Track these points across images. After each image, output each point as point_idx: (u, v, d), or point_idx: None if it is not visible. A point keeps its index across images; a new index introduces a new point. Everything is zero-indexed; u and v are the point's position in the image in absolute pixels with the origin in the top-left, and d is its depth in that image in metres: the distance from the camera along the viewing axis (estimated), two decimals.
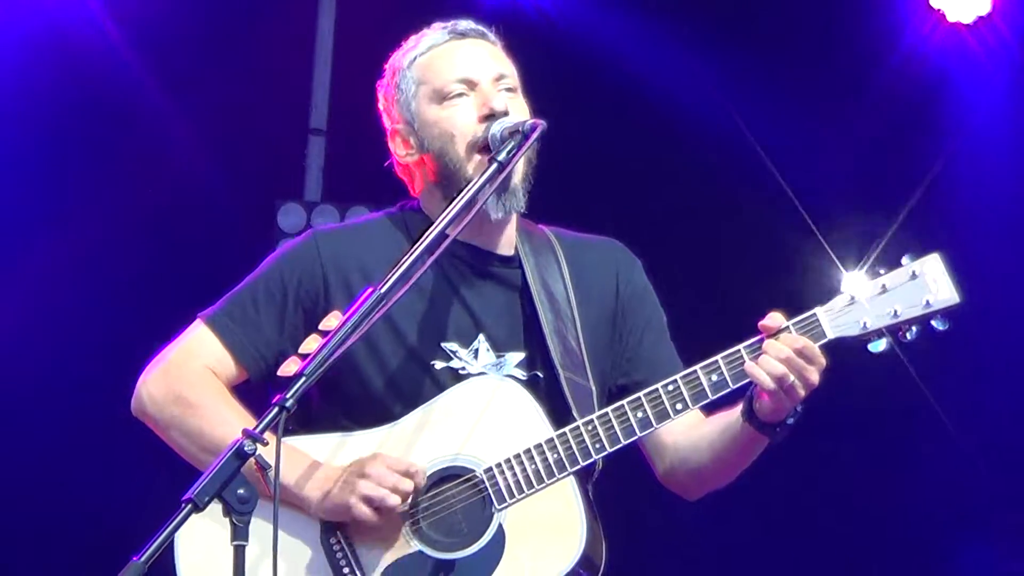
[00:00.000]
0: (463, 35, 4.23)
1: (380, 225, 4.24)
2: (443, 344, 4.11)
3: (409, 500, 3.93)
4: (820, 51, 7.79)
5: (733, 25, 7.87)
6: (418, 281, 4.04)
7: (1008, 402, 7.68)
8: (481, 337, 4.13)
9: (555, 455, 3.95)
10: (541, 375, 4.12)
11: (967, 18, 7.86)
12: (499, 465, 3.95)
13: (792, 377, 3.85)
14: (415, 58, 4.21)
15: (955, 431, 7.80)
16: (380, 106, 4.28)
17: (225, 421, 4.01)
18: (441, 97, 4.14)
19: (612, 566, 4.06)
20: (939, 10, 7.86)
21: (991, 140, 7.84)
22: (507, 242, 4.21)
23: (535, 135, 3.93)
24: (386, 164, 4.30)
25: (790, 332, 3.91)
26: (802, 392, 3.88)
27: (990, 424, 7.76)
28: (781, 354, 3.86)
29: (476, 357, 4.11)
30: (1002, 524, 7.75)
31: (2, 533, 7.72)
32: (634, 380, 4.19)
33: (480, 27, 4.26)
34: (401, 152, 4.22)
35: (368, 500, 3.90)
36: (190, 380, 4.11)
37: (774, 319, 3.92)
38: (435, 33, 4.24)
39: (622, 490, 4.34)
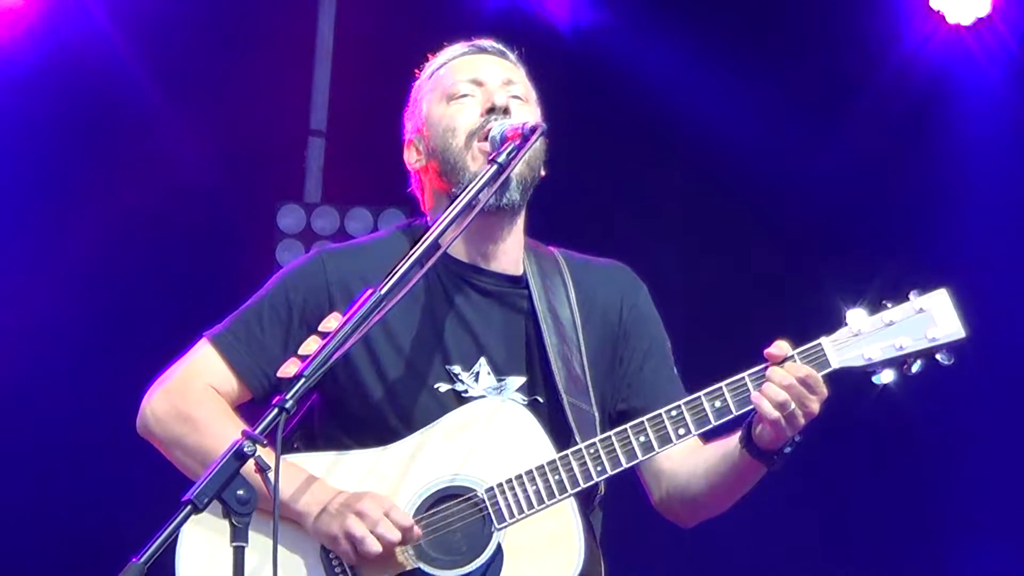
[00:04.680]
0: (483, 50, 4.25)
1: (388, 242, 4.22)
2: (447, 366, 4.10)
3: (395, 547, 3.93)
4: (819, 54, 7.79)
5: (732, 29, 7.87)
6: (423, 302, 4.10)
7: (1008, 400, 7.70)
8: (483, 360, 4.12)
9: (556, 476, 3.95)
10: (542, 400, 4.12)
11: (967, 19, 7.86)
12: (500, 485, 3.95)
13: (793, 405, 3.85)
14: (434, 71, 4.25)
15: (955, 432, 7.80)
16: (405, 124, 4.30)
17: (227, 438, 3.96)
18: (449, 97, 4.16)
19: None
20: (939, 11, 7.86)
21: (991, 142, 7.83)
22: (513, 262, 4.19)
23: (535, 137, 3.93)
24: (408, 190, 4.31)
25: (795, 361, 3.92)
26: (802, 421, 3.88)
27: (990, 425, 7.76)
28: (784, 381, 3.86)
29: (477, 380, 4.10)
30: (1003, 526, 7.74)
31: (3, 534, 7.72)
32: (633, 406, 4.17)
33: (501, 47, 4.28)
34: (412, 160, 4.23)
35: (352, 539, 3.91)
36: (193, 398, 4.11)
37: (780, 347, 3.92)
38: (457, 47, 4.28)
39: (627, 514, 4.33)
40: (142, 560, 3.32)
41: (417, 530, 3.94)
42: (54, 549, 7.75)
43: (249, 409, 4.14)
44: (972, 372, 7.04)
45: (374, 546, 3.89)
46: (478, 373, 4.11)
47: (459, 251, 4.14)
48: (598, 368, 4.18)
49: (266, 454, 3.48)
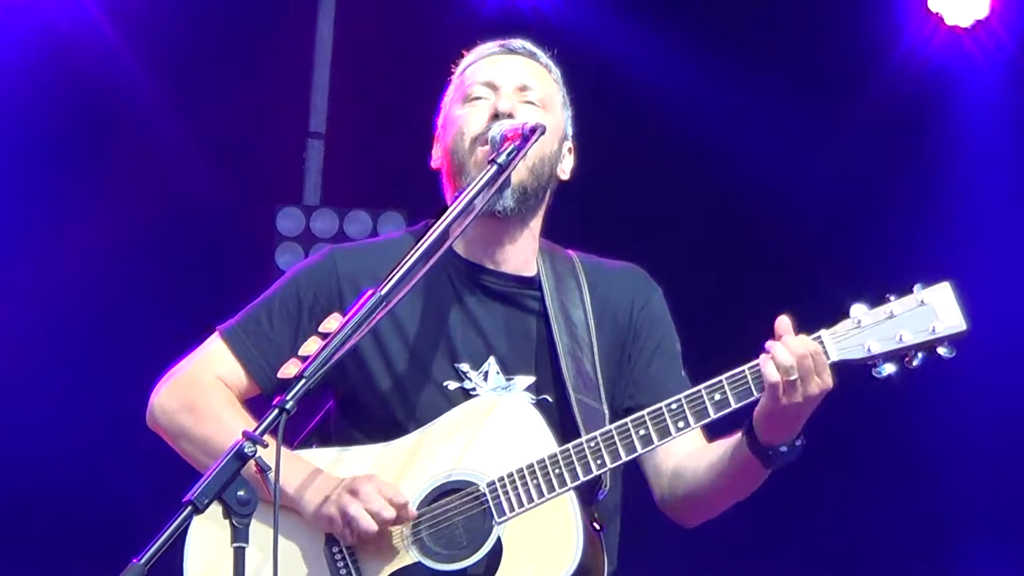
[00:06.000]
0: (511, 51, 4.25)
1: (400, 243, 4.21)
2: (456, 364, 4.11)
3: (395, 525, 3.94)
4: (818, 54, 7.80)
5: (730, 29, 7.87)
6: (433, 301, 4.10)
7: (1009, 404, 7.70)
8: (492, 359, 4.12)
9: (557, 470, 3.95)
10: (551, 399, 4.12)
11: (965, 21, 7.88)
12: (502, 479, 3.96)
13: (795, 374, 3.83)
14: (464, 68, 4.26)
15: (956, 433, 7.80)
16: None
17: (232, 430, 3.97)
18: (465, 99, 4.17)
19: None
20: (937, 13, 7.88)
21: (990, 143, 7.85)
22: (524, 264, 4.19)
23: (535, 138, 3.93)
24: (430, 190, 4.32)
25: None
26: (798, 399, 3.84)
27: (991, 426, 7.76)
28: (797, 348, 3.82)
29: (486, 379, 4.11)
30: (1004, 527, 7.74)
31: (2, 533, 7.73)
32: (639, 403, 4.12)
33: (532, 47, 4.27)
34: (436, 156, 4.25)
35: (347, 519, 3.92)
36: (200, 391, 4.13)
37: (785, 322, 3.91)
38: (487, 47, 4.28)
39: (630, 514, 4.33)
40: (143, 561, 3.33)
41: (412, 510, 3.94)
42: (55, 549, 7.75)
43: (260, 403, 4.15)
44: (979, 371, 7.07)
45: (369, 524, 3.90)
46: (487, 372, 4.12)
47: (467, 252, 4.15)
48: (609, 368, 4.18)
49: (267, 455, 3.49)
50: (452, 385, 4.10)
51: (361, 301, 3.69)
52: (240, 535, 3.43)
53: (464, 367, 4.11)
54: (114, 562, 3.40)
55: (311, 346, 3.69)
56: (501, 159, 3.89)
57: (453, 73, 4.30)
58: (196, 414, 4.10)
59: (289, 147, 8.32)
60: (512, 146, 3.91)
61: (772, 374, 3.84)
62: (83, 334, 7.80)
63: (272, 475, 3.48)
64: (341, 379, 4.08)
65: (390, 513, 3.91)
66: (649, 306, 4.27)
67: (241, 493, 3.43)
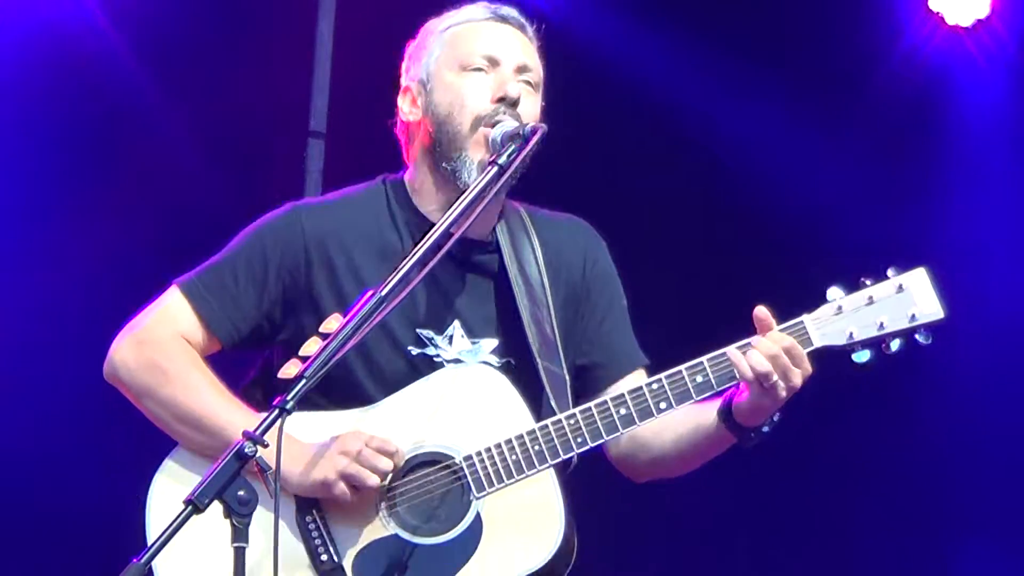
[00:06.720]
0: (503, 19, 4.27)
1: (362, 199, 4.27)
2: (419, 330, 4.13)
3: (387, 480, 3.93)
4: (818, 54, 7.80)
5: (730, 28, 7.87)
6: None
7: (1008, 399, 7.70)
8: (456, 323, 4.15)
9: (536, 447, 3.97)
10: (514, 362, 4.15)
11: (966, 21, 7.88)
12: (479, 453, 3.97)
13: (776, 376, 3.86)
14: (450, 26, 4.25)
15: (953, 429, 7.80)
16: (403, 65, 4.31)
17: (199, 390, 4.04)
18: (462, 66, 4.18)
19: (586, 557, 4.08)
20: (938, 13, 7.88)
21: (990, 143, 7.85)
22: (486, 228, 4.22)
23: (535, 139, 3.97)
24: (389, 122, 4.31)
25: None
26: (783, 394, 3.89)
27: (989, 423, 7.76)
28: (770, 351, 3.88)
29: (451, 343, 4.13)
30: (1001, 525, 7.74)
31: (2, 533, 7.72)
32: (592, 361, 4.22)
33: (522, 19, 4.27)
34: (406, 109, 4.26)
35: (347, 478, 3.92)
36: (164, 348, 4.12)
37: (763, 313, 3.93)
38: (478, 9, 4.29)
39: (599, 481, 4.33)
40: (142, 560, 3.33)
41: (401, 452, 3.93)
42: (54, 549, 7.75)
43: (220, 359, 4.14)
44: (978, 365, 7.07)
45: (368, 478, 3.89)
46: (451, 336, 4.13)
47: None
48: (564, 326, 4.22)
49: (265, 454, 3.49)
50: (415, 351, 4.12)
51: (362, 302, 3.71)
52: (240, 535, 3.44)
53: (427, 332, 4.12)
54: (114, 562, 3.40)
55: (311, 346, 3.71)
56: (502, 160, 3.94)
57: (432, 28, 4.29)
58: (163, 374, 4.09)
59: (289, 147, 8.31)
60: (513, 147, 3.95)
61: (747, 372, 3.88)
62: (82, 332, 7.77)
63: (272, 475, 3.49)
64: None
65: (387, 464, 3.91)
66: (599, 263, 4.32)
67: (241, 493, 3.44)
